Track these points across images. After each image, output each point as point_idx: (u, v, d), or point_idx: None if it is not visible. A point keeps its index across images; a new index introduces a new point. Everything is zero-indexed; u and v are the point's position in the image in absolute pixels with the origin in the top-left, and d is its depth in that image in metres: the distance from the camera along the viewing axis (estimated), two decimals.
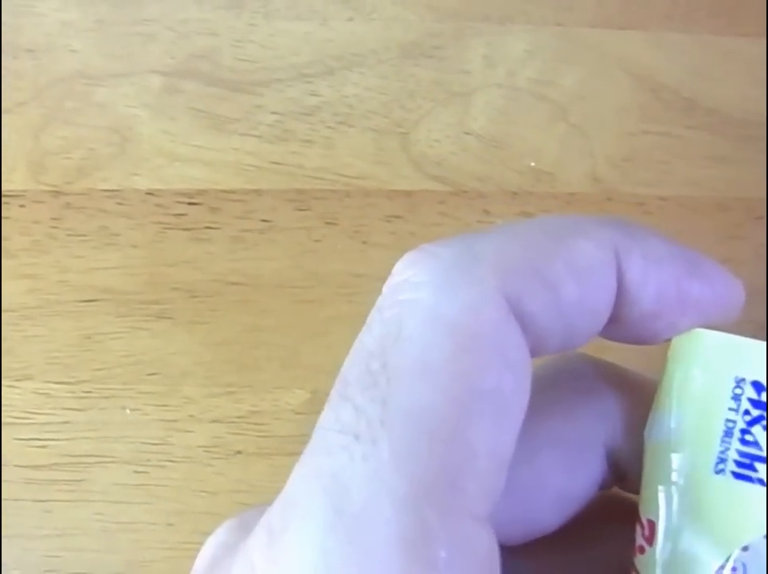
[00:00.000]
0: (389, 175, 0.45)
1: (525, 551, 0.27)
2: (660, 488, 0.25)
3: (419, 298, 0.23)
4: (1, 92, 0.46)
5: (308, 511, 0.22)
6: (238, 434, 0.42)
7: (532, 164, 0.45)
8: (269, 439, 0.42)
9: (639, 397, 0.26)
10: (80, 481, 0.41)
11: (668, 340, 0.25)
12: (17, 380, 0.42)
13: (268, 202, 0.45)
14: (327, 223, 0.44)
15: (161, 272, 0.44)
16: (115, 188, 0.45)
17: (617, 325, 0.25)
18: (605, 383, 0.27)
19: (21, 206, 0.44)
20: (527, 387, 0.23)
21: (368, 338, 0.23)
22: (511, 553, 0.27)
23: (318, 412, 0.40)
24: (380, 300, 0.23)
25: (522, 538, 0.27)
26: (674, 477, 0.24)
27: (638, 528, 0.25)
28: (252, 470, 0.41)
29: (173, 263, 0.44)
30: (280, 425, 0.42)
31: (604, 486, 0.27)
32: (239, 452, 0.42)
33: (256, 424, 0.42)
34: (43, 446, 0.42)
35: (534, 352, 0.24)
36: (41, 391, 0.42)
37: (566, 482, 0.26)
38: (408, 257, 0.24)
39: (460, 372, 0.22)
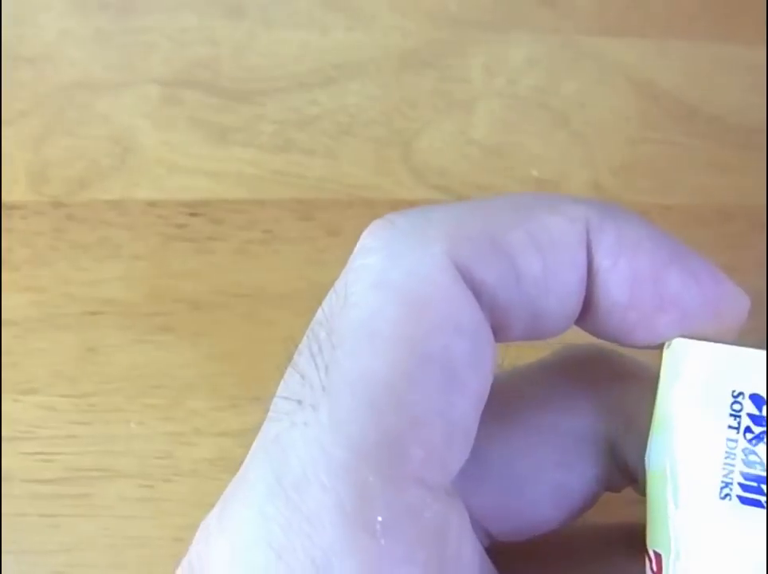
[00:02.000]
0: (391, 185, 0.45)
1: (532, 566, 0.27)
2: (665, 518, 0.23)
3: (367, 264, 0.23)
4: (1, 102, 0.46)
5: (252, 478, 0.22)
6: (244, 447, 0.41)
7: (534, 173, 0.45)
8: None
9: (652, 393, 0.25)
10: (85, 495, 0.41)
11: (658, 349, 0.24)
12: (22, 394, 0.42)
13: (271, 212, 0.45)
14: (331, 233, 0.44)
15: (164, 284, 0.44)
16: (117, 199, 0.45)
17: (591, 315, 0.24)
18: (611, 376, 0.27)
19: (23, 217, 0.44)
20: (486, 356, 0.22)
21: (319, 310, 0.23)
22: (516, 560, 0.26)
23: None
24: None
25: (520, 532, 0.27)
26: (678, 505, 0.23)
27: (647, 562, 0.24)
28: None
29: (175, 275, 0.44)
30: None
31: (612, 486, 0.27)
32: None
33: None
34: (48, 460, 0.41)
35: (499, 332, 0.23)
36: (45, 405, 0.42)
37: (564, 475, 0.26)
38: (369, 226, 0.24)
39: (405, 337, 0.22)
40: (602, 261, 0.23)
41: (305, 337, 0.23)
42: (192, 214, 0.44)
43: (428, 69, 0.46)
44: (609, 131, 0.46)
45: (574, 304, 0.24)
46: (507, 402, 0.25)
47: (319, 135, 0.46)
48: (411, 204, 0.45)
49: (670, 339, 0.24)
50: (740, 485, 0.23)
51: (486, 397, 0.23)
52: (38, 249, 0.44)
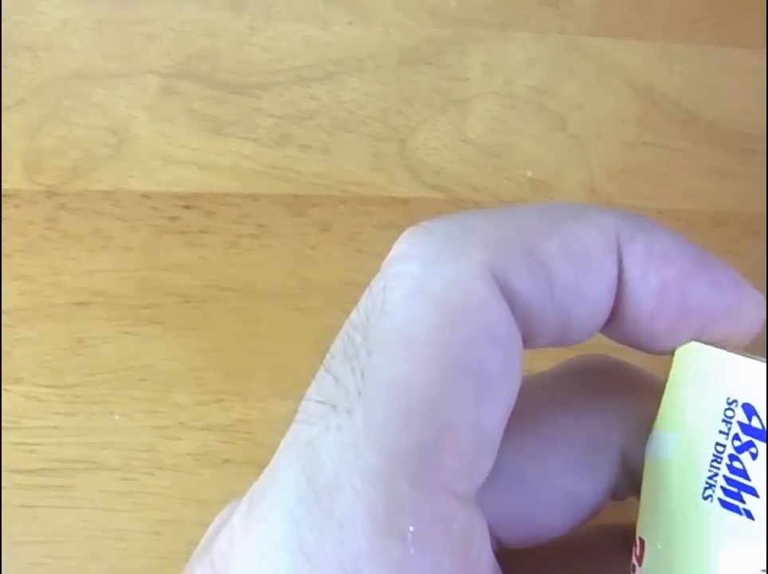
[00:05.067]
0: (386, 182, 0.45)
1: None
2: (651, 508, 0.24)
3: (406, 271, 0.23)
4: (0, 90, 0.45)
5: (283, 479, 0.22)
6: (227, 442, 0.42)
7: (529, 174, 0.45)
8: (258, 448, 0.41)
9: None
10: (67, 487, 0.41)
11: (672, 352, 0.25)
12: (8, 384, 0.42)
13: (264, 207, 0.44)
14: (323, 230, 0.44)
15: (154, 276, 0.44)
16: (110, 189, 0.45)
17: (617, 322, 0.24)
18: (625, 386, 0.27)
19: (16, 206, 0.44)
20: (516, 367, 0.23)
21: (354, 313, 0.23)
22: (516, 560, 0.26)
23: None
24: (375, 277, 0.23)
25: (529, 539, 0.27)
26: (665, 498, 0.24)
27: (633, 547, 0.25)
28: (241, 480, 0.41)
29: (166, 267, 0.44)
30: (269, 434, 0.42)
31: (619, 494, 0.27)
32: (227, 461, 0.42)
33: (245, 433, 0.42)
34: (31, 451, 0.41)
35: (529, 340, 0.23)
36: (30, 395, 0.42)
37: (575, 482, 0.26)
38: (405, 233, 0.24)
39: (441, 346, 0.22)
40: (632, 271, 0.24)
41: (339, 340, 0.23)
42: (185, 207, 0.44)
43: (427, 67, 0.46)
44: (606, 134, 0.46)
45: (603, 312, 0.24)
46: (520, 409, 0.25)
47: (316, 131, 0.46)
48: (404, 202, 0.45)
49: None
50: (722, 489, 0.23)
51: (512, 407, 0.23)
52: (30, 238, 0.44)
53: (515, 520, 0.26)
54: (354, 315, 0.23)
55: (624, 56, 0.46)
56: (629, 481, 0.26)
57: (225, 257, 0.44)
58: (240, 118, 0.46)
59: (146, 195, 0.45)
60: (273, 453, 0.41)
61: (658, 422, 0.25)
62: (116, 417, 0.42)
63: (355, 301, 0.43)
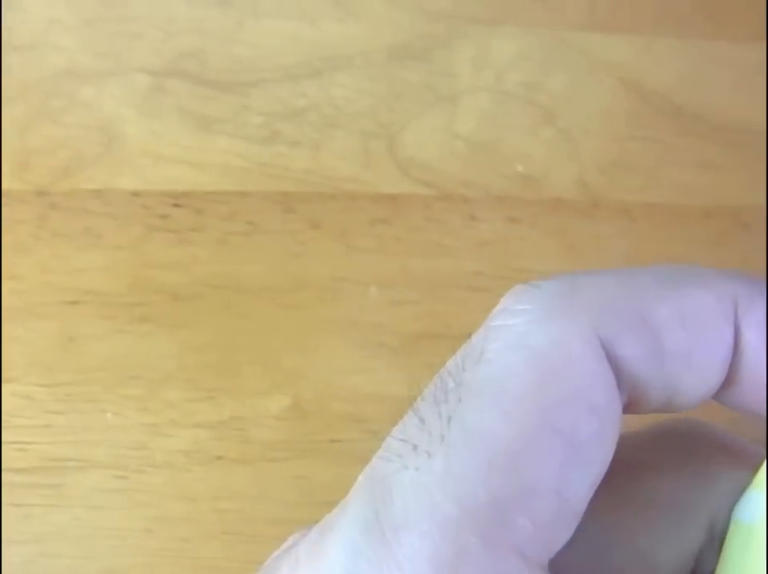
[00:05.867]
0: (376, 179, 0.45)
1: None
2: (729, 570, 0.23)
3: (509, 325, 0.22)
4: (1, 88, 0.45)
5: (352, 511, 0.21)
6: (219, 439, 0.42)
7: (519, 169, 0.45)
8: (249, 445, 0.41)
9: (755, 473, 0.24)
10: (59, 485, 0.41)
11: None
12: None
13: (254, 204, 0.44)
14: (312, 226, 0.44)
15: (145, 274, 0.43)
16: (100, 188, 0.45)
17: (731, 390, 0.23)
18: (717, 453, 0.26)
19: (6, 205, 0.44)
20: (611, 436, 0.22)
21: (452, 359, 0.23)
22: None
23: (298, 418, 0.40)
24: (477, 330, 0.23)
25: None
26: (743, 561, 0.23)
27: None
28: (233, 476, 0.41)
29: (157, 265, 0.44)
30: (260, 431, 0.41)
31: (703, 566, 0.26)
32: (219, 458, 0.41)
33: (236, 430, 0.42)
34: (22, 450, 0.41)
35: (632, 406, 0.23)
36: (21, 394, 0.42)
37: (657, 548, 0.25)
38: (512, 289, 0.23)
39: (534, 404, 0.21)
40: (751, 340, 0.23)
41: (432, 383, 0.23)
42: (175, 205, 0.44)
43: (416, 63, 0.46)
44: (595, 129, 0.46)
45: (716, 381, 0.23)
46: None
47: (305, 128, 0.46)
48: (394, 198, 0.45)
49: None
50: None
51: (602, 477, 0.22)
52: (20, 237, 0.44)
53: None
54: (450, 361, 0.23)
55: (613, 50, 0.46)
56: (715, 553, 0.26)
57: (215, 255, 0.44)
58: (230, 116, 0.46)
59: (135, 194, 0.44)
60: (265, 449, 0.42)
61: (754, 482, 0.24)
62: (108, 415, 0.42)
63: (344, 298, 0.44)
